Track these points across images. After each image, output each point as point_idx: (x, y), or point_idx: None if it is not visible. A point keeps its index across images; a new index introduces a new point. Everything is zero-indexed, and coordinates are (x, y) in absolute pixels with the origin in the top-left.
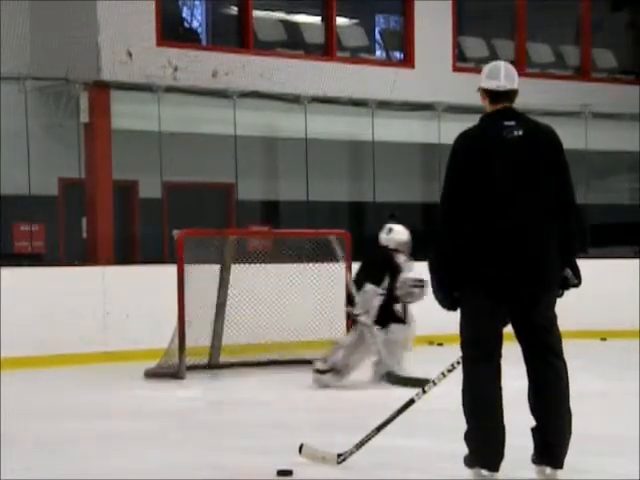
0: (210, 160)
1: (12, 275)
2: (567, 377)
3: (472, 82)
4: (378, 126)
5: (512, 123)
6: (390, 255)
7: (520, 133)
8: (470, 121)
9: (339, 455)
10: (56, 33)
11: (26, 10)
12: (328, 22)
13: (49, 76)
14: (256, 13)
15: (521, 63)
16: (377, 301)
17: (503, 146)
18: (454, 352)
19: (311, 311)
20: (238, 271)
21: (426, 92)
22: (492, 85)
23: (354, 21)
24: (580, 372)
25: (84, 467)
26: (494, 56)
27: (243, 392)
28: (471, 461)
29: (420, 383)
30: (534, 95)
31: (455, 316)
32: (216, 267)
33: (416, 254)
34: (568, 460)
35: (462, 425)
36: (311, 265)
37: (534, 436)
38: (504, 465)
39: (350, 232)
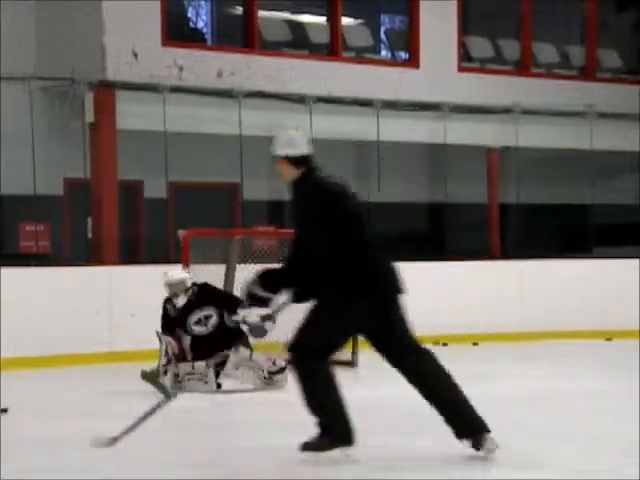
0: (215, 160)
1: (17, 275)
2: (434, 359)
3: (477, 82)
4: (383, 126)
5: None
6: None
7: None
8: (475, 121)
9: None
10: (61, 33)
11: (31, 10)
12: (333, 22)
13: (54, 76)
14: (261, 13)
15: (526, 63)
16: (174, 348)
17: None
18: (458, 351)
19: None
20: (243, 271)
21: (431, 92)
22: (304, 151)
23: (359, 21)
24: (585, 372)
25: (85, 467)
26: (499, 56)
27: (245, 392)
28: (331, 445)
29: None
30: (539, 95)
31: (459, 317)
32: (221, 267)
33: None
34: (569, 460)
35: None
36: None
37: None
38: (502, 465)
39: None
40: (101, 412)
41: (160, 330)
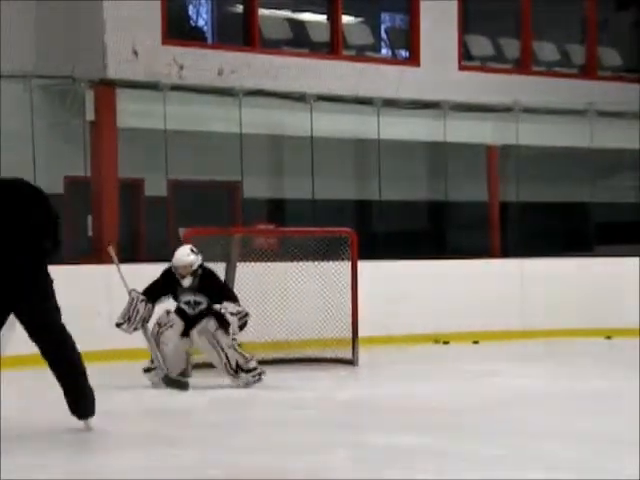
0: (216, 158)
1: None
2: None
3: (478, 81)
4: (384, 124)
5: None
6: (173, 276)
7: None
8: (475, 119)
9: None
10: (62, 31)
11: (32, 8)
12: (334, 20)
13: (55, 74)
14: (262, 11)
15: (526, 61)
16: (142, 308)
17: None
18: (459, 350)
19: (317, 309)
20: (244, 269)
21: (432, 90)
22: None
23: (360, 19)
24: (585, 371)
25: (85, 466)
26: (500, 54)
27: (247, 390)
28: None
29: (181, 385)
30: (539, 93)
31: (459, 315)
32: (222, 265)
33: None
34: (569, 460)
35: (462, 424)
36: (317, 263)
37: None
38: (502, 465)
39: (356, 230)
40: (101, 412)
41: (137, 290)
